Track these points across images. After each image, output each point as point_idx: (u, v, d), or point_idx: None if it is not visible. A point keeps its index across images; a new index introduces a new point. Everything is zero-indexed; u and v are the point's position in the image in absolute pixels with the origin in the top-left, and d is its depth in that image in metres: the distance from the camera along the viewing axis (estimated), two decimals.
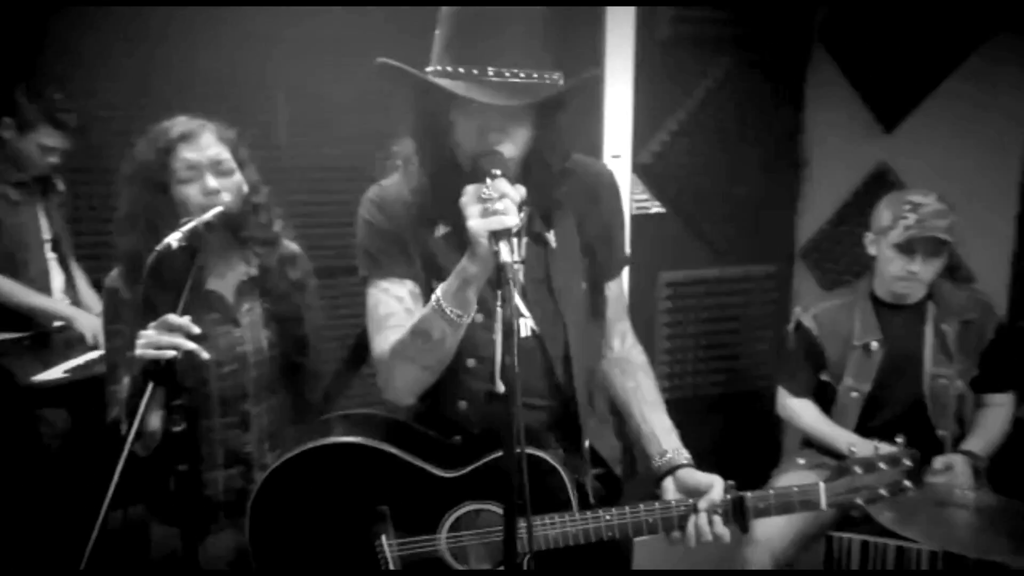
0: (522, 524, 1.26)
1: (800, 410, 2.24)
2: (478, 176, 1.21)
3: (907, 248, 2.05)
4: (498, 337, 1.10)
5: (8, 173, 2.45)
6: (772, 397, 2.41)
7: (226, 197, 1.44)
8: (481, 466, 1.35)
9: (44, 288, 2.51)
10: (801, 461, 2.27)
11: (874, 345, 2.15)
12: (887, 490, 1.40)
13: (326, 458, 1.37)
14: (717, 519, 1.33)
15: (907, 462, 1.40)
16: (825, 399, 2.24)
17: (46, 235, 2.58)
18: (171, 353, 1.23)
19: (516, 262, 1.11)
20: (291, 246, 1.62)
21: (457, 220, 1.30)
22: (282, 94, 2.65)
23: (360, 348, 1.52)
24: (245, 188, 1.51)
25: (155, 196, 1.45)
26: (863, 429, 2.18)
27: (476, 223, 1.13)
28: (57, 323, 2.47)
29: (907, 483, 1.40)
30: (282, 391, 1.60)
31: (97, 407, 2.60)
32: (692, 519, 1.33)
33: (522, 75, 1.18)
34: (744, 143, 3.01)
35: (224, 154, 1.47)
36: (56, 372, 2.14)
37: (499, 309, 1.09)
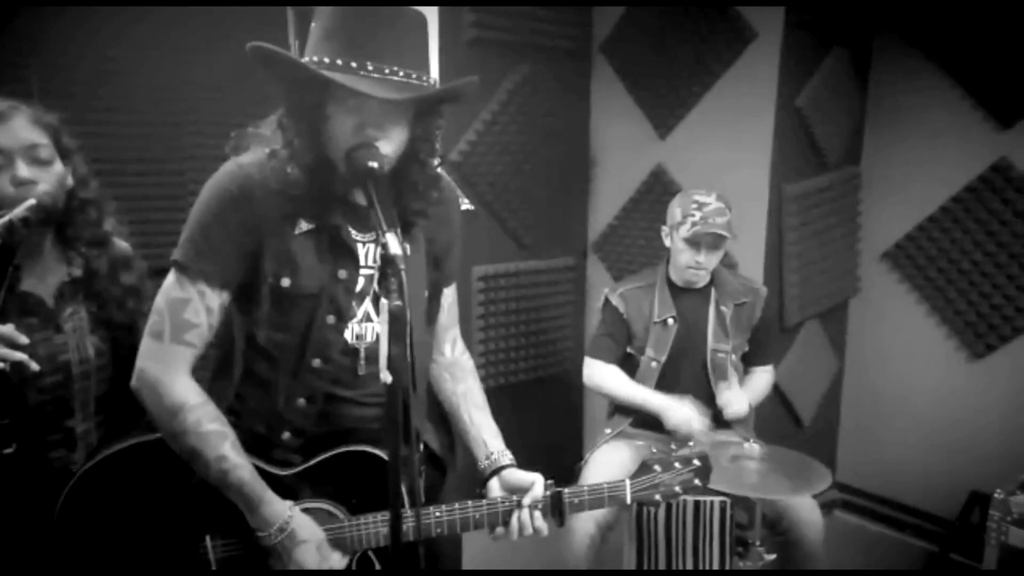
0: (365, 520, 1.33)
1: (609, 375, 2.47)
2: (352, 170, 1.21)
3: (693, 242, 2.36)
4: (384, 328, 1.10)
5: None
6: (576, 376, 2.60)
7: (43, 187, 1.27)
8: (315, 464, 1.35)
9: None
10: (607, 431, 2.53)
11: (670, 321, 2.45)
12: (682, 487, 1.57)
13: (143, 458, 1.30)
14: (538, 514, 1.44)
15: (697, 463, 1.58)
16: (628, 368, 2.49)
17: None
18: None
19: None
20: (123, 246, 1.47)
21: (321, 218, 1.29)
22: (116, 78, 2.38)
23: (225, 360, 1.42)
24: (70, 181, 1.34)
25: None
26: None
27: None
28: None
29: (698, 482, 1.58)
30: (114, 407, 1.45)
31: None
32: (516, 514, 1.43)
33: (401, 73, 1.19)
34: (541, 144, 3.22)
35: (41, 140, 1.29)
36: None
37: (384, 301, 1.10)
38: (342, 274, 1.33)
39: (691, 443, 1.87)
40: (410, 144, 1.29)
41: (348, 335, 1.36)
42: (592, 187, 3.48)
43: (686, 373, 2.47)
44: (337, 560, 1.33)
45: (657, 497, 1.55)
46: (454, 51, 2.88)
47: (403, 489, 1.31)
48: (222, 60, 2.36)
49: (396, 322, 1.06)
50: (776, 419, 3.11)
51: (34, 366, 1.16)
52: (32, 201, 1.23)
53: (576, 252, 3.47)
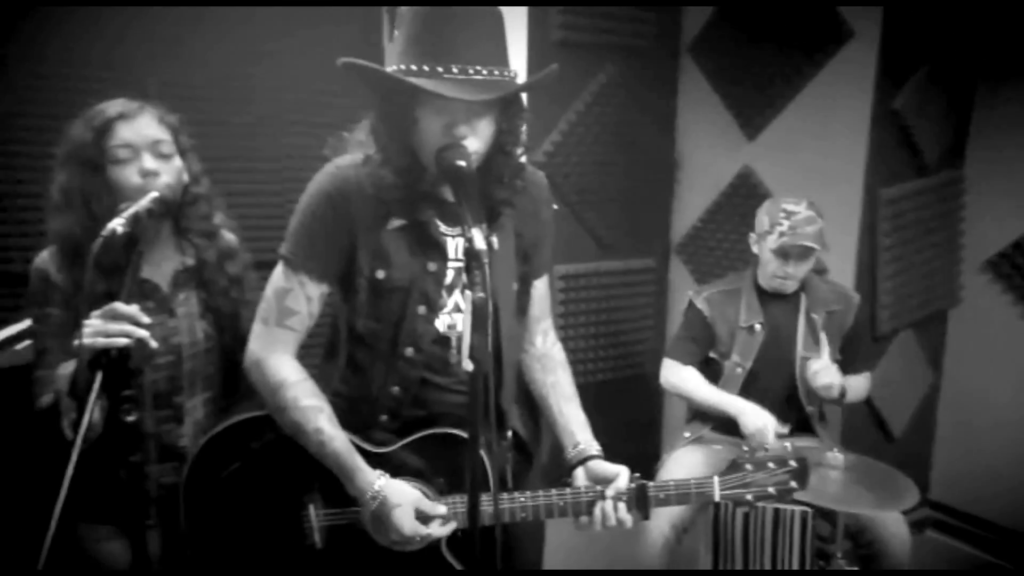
0: (453, 500, 1.37)
1: (688, 376, 2.43)
2: (442, 169, 1.27)
3: (782, 253, 2.30)
4: (467, 318, 1.15)
5: None
6: (655, 379, 2.56)
7: (164, 180, 1.39)
8: (411, 442, 1.42)
9: None
10: (686, 434, 2.51)
11: (757, 327, 2.40)
12: (775, 489, 1.51)
13: (256, 431, 1.40)
14: (621, 505, 1.45)
15: (793, 463, 1.52)
16: (711, 374, 2.46)
17: None
18: (123, 341, 1.18)
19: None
20: (230, 238, 1.58)
21: (411, 215, 1.37)
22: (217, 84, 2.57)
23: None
24: (185, 176, 1.46)
25: (90, 178, 1.37)
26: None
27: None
28: None
29: (793, 484, 1.52)
30: (218, 386, 1.56)
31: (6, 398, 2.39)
32: (599, 504, 1.44)
33: (484, 72, 1.24)
34: (626, 145, 3.22)
35: (164, 136, 1.42)
36: None
37: (468, 292, 1.15)
38: (432, 267, 1.40)
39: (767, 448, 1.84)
40: (496, 136, 1.35)
41: (439, 325, 1.42)
42: (677, 189, 3.46)
43: (772, 380, 2.41)
44: (442, 512, 1.37)
45: (748, 497, 1.51)
46: (542, 51, 2.91)
47: (490, 473, 1.38)
48: (318, 66, 2.48)
49: (478, 313, 1.11)
50: (865, 431, 3.01)
51: (153, 344, 1.27)
52: (155, 193, 1.35)
53: (658, 254, 3.45)
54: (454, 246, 1.42)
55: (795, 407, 2.41)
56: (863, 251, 2.84)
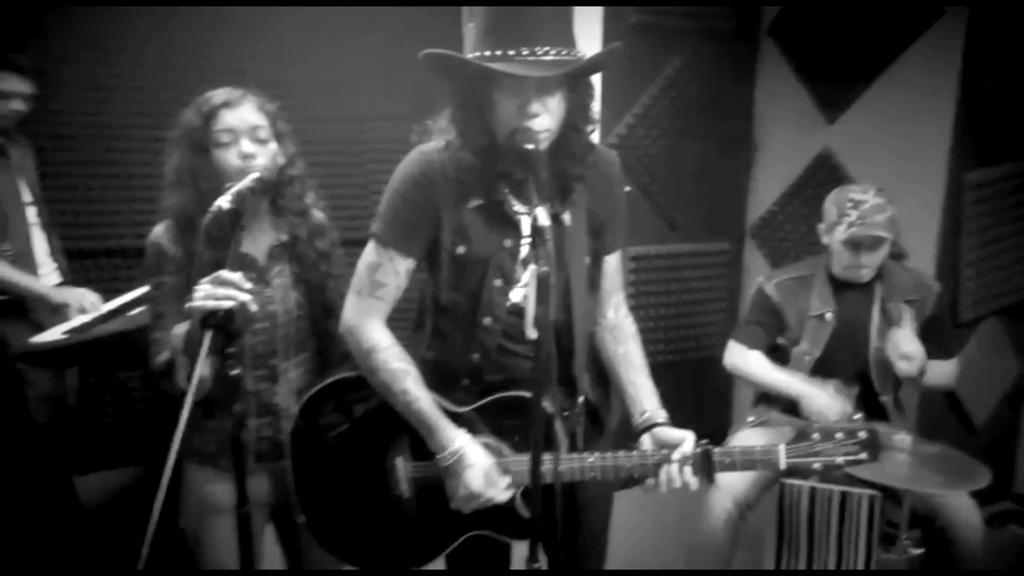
0: (524, 458, 1.46)
1: (753, 359, 2.43)
2: (513, 151, 1.37)
3: (853, 244, 2.25)
4: (531, 291, 1.25)
5: None
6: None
7: (261, 162, 1.53)
8: (488, 403, 1.54)
9: (27, 253, 2.52)
10: (751, 419, 2.52)
11: (828, 316, 2.36)
12: (844, 459, 1.49)
13: (353, 389, 1.56)
14: (687, 469, 1.49)
15: (862, 435, 1.50)
16: (779, 360, 2.45)
17: (27, 198, 2.57)
18: (228, 304, 1.32)
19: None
20: (320, 217, 1.72)
21: (489, 195, 1.49)
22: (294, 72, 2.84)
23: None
24: (281, 159, 1.59)
25: (198, 158, 1.53)
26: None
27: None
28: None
29: (863, 455, 1.49)
30: (309, 351, 1.71)
31: (107, 367, 2.67)
32: (665, 467, 1.50)
33: (552, 52, 1.34)
34: (701, 128, 3.22)
35: (262, 122, 1.55)
36: (55, 334, 2.16)
37: (532, 266, 1.25)
38: (507, 243, 1.51)
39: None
40: (567, 114, 1.43)
41: (514, 296, 1.53)
42: (754, 171, 3.43)
43: (843, 370, 2.39)
44: (504, 485, 1.49)
45: (816, 466, 1.50)
46: (617, 35, 2.94)
47: (560, 433, 1.49)
48: (395, 63, 2.77)
49: (542, 286, 1.21)
50: (943, 422, 2.94)
51: (254, 307, 1.42)
52: (256, 173, 1.49)
53: (732, 236, 3.44)
54: (528, 223, 1.51)
55: (868, 397, 2.38)
56: (946, 236, 2.77)
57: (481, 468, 1.47)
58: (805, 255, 2.96)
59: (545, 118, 1.38)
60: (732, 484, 2.26)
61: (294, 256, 1.67)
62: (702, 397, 3.40)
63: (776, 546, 2.30)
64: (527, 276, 1.52)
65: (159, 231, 1.60)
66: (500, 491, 1.48)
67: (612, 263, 1.69)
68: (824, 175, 3.11)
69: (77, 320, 2.30)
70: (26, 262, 2.53)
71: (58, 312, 2.42)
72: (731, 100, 3.30)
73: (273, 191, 1.61)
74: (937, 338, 2.39)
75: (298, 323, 1.67)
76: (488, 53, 1.35)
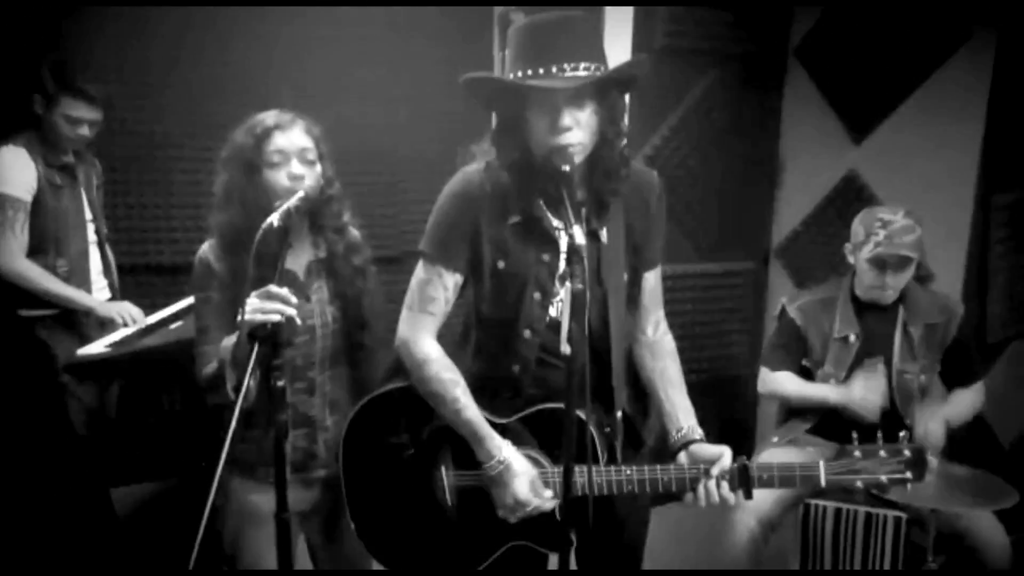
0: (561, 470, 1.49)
1: (783, 379, 2.45)
2: (550, 170, 1.43)
3: (878, 263, 2.27)
4: (566, 307, 1.30)
5: (52, 157, 2.53)
6: (750, 382, 2.61)
7: (308, 182, 1.60)
8: (528, 415, 1.59)
9: (83, 270, 2.60)
10: (775, 438, 2.52)
11: (851, 338, 2.37)
12: (887, 478, 1.46)
13: (401, 400, 1.63)
14: (724, 484, 1.51)
15: (907, 453, 1.47)
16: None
17: (88, 216, 2.66)
18: (276, 317, 1.38)
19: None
20: (356, 234, 1.79)
21: (527, 212, 1.55)
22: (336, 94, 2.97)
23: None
24: (323, 180, 1.67)
25: (248, 178, 1.60)
26: (836, 413, 2.37)
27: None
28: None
29: (908, 474, 1.45)
30: (343, 364, 1.76)
31: (147, 379, 2.76)
32: (702, 482, 1.52)
33: (582, 67, 1.40)
34: (727, 149, 3.26)
35: (309, 144, 1.63)
36: (98, 347, 2.24)
37: (568, 283, 1.30)
38: (545, 258, 1.57)
39: None
40: (599, 127, 1.48)
41: (552, 311, 1.59)
42: (779, 192, 3.46)
43: None
44: (549, 495, 1.54)
45: (859, 484, 1.47)
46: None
47: (598, 445, 1.53)
48: (428, 94, 2.95)
49: (576, 302, 1.26)
50: (970, 443, 2.92)
51: (299, 321, 1.48)
52: (303, 193, 1.56)
53: (757, 257, 3.46)
54: (564, 239, 1.56)
55: (891, 419, 2.38)
56: (973, 257, 2.77)
57: (528, 477, 1.52)
58: (830, 275, 2.97)
59: (577, 132, 1.43)
60: (755, 503, 2.24)
61: (331, 272, 1.73)
62: (726, 416, 3.39)
63: (800, 567, 2.30)
64: (563, 292, 1.57)
65: (205, 248, 1.67)
66: (546, 500, 1.53)
67: (651, 279, 1.73)
68: (850, 196, 3.13)
69: (119, 333, 2.38)
70: (80, 279, 2.60)
71: (105, 326, 2.50)
72: (757, 121, 3.33)
73: (315, 209, 1.68)
74: (961, 361, 2.41)
75: (334, 337, 1.73)
76: (520, 74, 1.42)
